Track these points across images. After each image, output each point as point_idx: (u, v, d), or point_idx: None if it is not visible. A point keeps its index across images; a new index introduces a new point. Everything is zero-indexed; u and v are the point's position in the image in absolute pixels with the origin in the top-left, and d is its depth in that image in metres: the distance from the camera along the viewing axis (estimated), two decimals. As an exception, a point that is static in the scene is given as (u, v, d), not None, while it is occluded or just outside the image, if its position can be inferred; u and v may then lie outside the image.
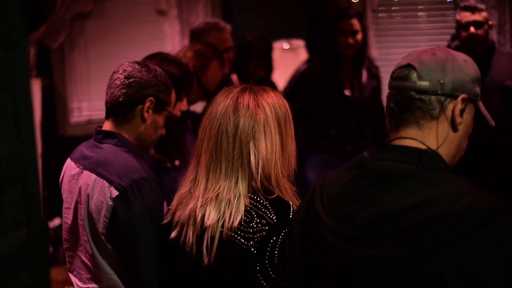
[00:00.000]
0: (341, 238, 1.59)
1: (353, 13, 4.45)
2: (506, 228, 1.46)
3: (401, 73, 1.67)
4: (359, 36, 4.41)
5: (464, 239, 1.44)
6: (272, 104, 2.05)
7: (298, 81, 4.64)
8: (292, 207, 1.96)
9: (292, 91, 4.62)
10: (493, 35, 5.32)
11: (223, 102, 2.04)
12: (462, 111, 1.65)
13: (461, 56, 1.68)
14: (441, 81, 1.62)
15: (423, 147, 1.64)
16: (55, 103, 6.09)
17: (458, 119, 1.65)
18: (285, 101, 2.10)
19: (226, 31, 4.38)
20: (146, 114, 2.38)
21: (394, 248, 1.49)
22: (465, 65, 1.66)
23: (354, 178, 1.66)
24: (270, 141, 2.01)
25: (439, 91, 1.62)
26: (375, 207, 1.55)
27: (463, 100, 1.64)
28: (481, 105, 1.72)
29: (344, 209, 1.62)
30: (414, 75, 1.64)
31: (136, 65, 2.41)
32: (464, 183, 1.55)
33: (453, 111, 1.64)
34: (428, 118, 1.64)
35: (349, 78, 4.44)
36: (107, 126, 2.40)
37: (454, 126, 1.66)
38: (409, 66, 1.66)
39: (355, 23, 4.40)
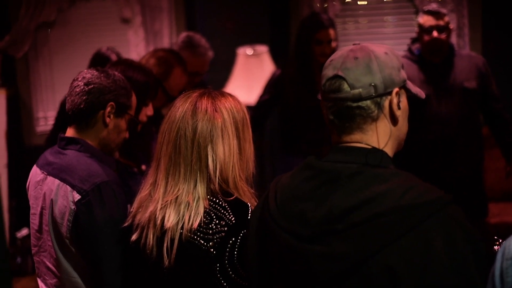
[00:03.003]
0: (295, 237, 1.63)
1: (329, 23, 4.53)
2: (450, 218, 1.52)
3: (332, 86, 1.69)
4: (334, 44, 4.51)
5: (411, 231, 1.50)
6: (230, 108, 2.07)
7: (273, 86, 4.71)
8: (251, 209, 1.99)
9: (269, 97, 4.71)
10: (453, 38, 5.42)
11: (181, 106, 2.06)
12: (398, 103, 1.70)
13: (381, 50, 1.70)
14: (373, 84, 1.65)
15: (369, 147, 1.68)
16: (21, 113, 6.07)
17: (397, 112, 1.70)
18: (243, 106, 2.12)
19: (202, 56, 4.42)
20: (107, 119, 2.42)
21: (346, 244, 1.53)
22: (388, 59, 1.69)
23: (305, 179, 1.69)
24: (228, 145, 2.04)
25: (374, 94, 1.65)
26: (326, 206, 1.59)
27: (396, 93, 1.69)
28: (409, 84, 1.76)
29: (297, 209, 1.66)
30: (345, 86, 1.66)
31: (95, 71, 2.45)
32: (409, 177, 1.61)
33: (390, 106, 1.69)
34: (369, 121, 1.68)
35: None
36: (70, 132, 2.44)
37: (394, 120, 1.71)
38: (337, 77, 1.68)
39: (331, 32, 4.50)
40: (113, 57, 4.34)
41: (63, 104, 4.76)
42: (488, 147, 4.85)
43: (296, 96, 4.57)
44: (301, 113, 4.57)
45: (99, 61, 4.35)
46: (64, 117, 4.74)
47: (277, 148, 5.59)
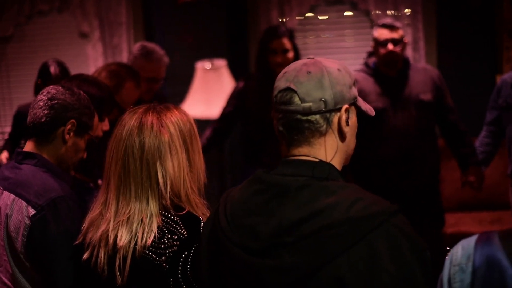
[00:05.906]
0: (246, 251, 1.64)
1: (283, 32, 4.56)
2: (396, 229, 1.56)
3: (283, 98, 1.70)
4: (290, 55, 4.51)
5: (359, 242, 1.53)
6: (176, 122, 2.06)
7: (236, 98, 4.72)
8: (203, 222, 1.99)
9: (232, 109, 4.72)
10: (408, 51, 5.51)
11: (127, 124, 2.05)
12: (347, 120, 1.72)
13: (334, 66, 1.72)
14: (323, 99, 1.67)
15: (316, 160, 1.70)
16: (-22, 128, 6.02)
17: (345, 129, 1.72)
18: (189, 117, 2.12)
19: (156, 61, 4.44)
20: (67, 136, 2.42)
21: (295, 256, 1.56)
22: (340, 75, 1.71)
23: (254, 192, 1.71)
24: (177, 159, 2.03)
25: (323, 109, 1.68)
26: (276, 219, 1.61)
27: (346, 110, 1.71)
28: (360, 101, 1.78)
29: (247, 223, 1.67)
30: (296, 98, 1.68)
31: (60, 88, 2.45)
32: (356, 189, 1.64)
33: (339, 123, 1.71)
34: (317, 135, 1.70)
35: None
36: (28, 146, 2.44)
37: (342, 136, 1.73)
38: (289, 90, 1.69)
39: (285, 42, 4.51)
40: (52, 69, 4.33)
41: (16, 115, 4.74)
42: (444, 158, 4.93)
43: (257, 108, 4.59)
44: (263, 125, 4.60)
45: (43, 72, 4.35)
46: (18, 128, 4.73)
47: (238, 161, 5.61)
